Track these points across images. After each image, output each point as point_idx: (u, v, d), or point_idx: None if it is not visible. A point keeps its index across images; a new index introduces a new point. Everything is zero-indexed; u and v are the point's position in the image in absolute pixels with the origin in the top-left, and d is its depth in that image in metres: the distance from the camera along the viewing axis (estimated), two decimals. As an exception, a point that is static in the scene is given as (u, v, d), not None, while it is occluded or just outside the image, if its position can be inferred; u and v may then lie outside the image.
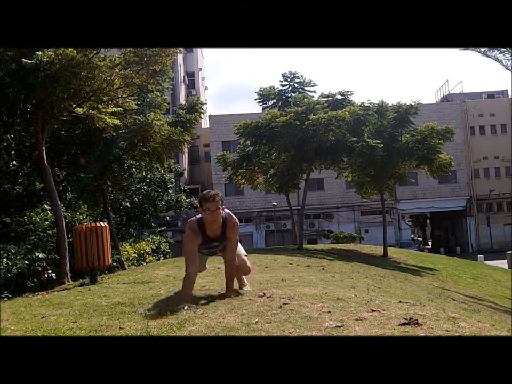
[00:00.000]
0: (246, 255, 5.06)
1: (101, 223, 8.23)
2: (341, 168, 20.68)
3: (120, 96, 9.44)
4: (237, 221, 4.64)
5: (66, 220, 9.80)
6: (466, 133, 43.99)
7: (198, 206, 4.41)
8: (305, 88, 20.46)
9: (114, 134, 11.15)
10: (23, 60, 7.76)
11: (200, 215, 4.52)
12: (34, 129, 9.30)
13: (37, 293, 7.08)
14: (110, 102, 9.42)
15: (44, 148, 9.03)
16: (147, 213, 18.69)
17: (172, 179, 20.77)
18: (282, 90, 20.37)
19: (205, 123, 43.89)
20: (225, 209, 4.59)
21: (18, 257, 7.80)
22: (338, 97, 19.83)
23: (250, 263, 5.12)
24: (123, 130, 11.38)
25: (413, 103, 19.61)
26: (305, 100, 18.94)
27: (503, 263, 25.67)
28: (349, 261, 14.02)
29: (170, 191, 20.09)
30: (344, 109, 18.09)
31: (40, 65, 7.81)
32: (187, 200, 21.31)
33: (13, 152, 12.46)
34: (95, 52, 8.34)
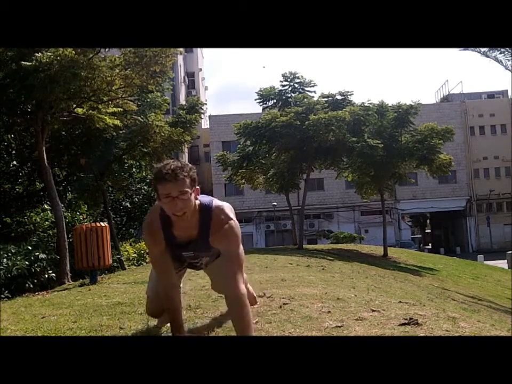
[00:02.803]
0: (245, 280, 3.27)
1: (101, 223, 8.23)
2: (341, 168, 20.70)
3: (120, 96, 9.45)
4: (232, 220, 2.72)
5: (67, 220, 9.80)
6: (466, 133, 44.00)
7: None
8: (305, 88, 20.49)
9: (114, 134, 11.15)
10: (22, 62, 7.76)
11: None
12: (34, 130, 9.30)
13: (37, 293, 7.08)
14: (110, 102, 9.42)
15: (44, 148, 9.03)
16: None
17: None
18: (282, 90, 20.39)
19: (205, 123, 43.90)
20: (215, 200, 2.77)
21: (18, 257, 7.79)
22: (338, 97, 19.86)
23: (254, 288, 3.53)
24: (123, 131, 11.39)
25: (413, 103, 19.63)
26: (305, 100, 18.96)
27: (503, 263, 25.66)
28: (349, 261, 14.03)
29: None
30: (344, 109, 18.11)
31: (40, 66, 7.81)
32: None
33: (13, 152, 12.46)
34: (95, 52, 8.35)
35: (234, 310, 2.64)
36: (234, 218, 2.74)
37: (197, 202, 2.65)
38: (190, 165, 2.57)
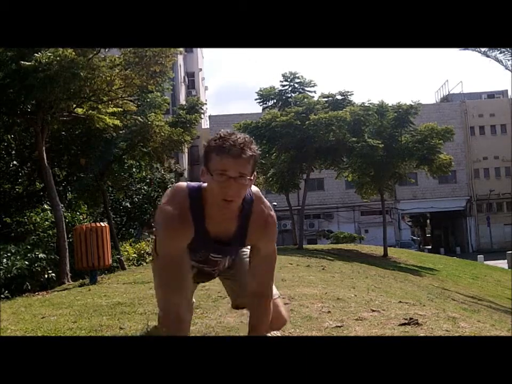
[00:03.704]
0: (279, 295, 2.53)
1: (101, 223, 8.24)
2: (341, 168, 20.71)
3: (120, 96, 9.45)
4: (273, 211, 2.23)
5: (67, 220, 9.81)
6: (466, 133, 43.98)
7: (203, 165, 2.03)
8: (305, 88, 20.51)
9: (114, 134, 11.15)
10: (22, 62, 7.77)
11: (197, 183, 2.15)
12: (34, 130, 9.31)
13: (37, 293, 7.08)
14: (110, 102, 9.43)
15: (44, 148, 9.03)
16: (147, 213, 18.67)
17: (172, 179, 20.77)
18: (282, 90, 20.42)
19: (205, 123, 43.88)
20: (253, 187, 2.17)
21: (18, 257, 7.80)
22: (338, 97, 19.89)
23: (285, 306, 2.61)
24: (123, 131, 11.39)
25: (413, 103, 19.65)
26: (305, 100, 18.98)
27: (503, 263, 25.66)
28: (349, 261, 14.03)
29: (170, 191, 20.07)
30: (344, 109, 18.12)
31: (39, 66, 7.82)
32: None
33: (13, 152, 12.46)
34: (95, 52, 8.36)
35: (259, 310, 2.22)
36: (272, 211, 2.23)
37: None
38: (255, 144, 2.01)
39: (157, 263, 2.25)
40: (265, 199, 2.22)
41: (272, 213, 2.20)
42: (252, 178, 2.00)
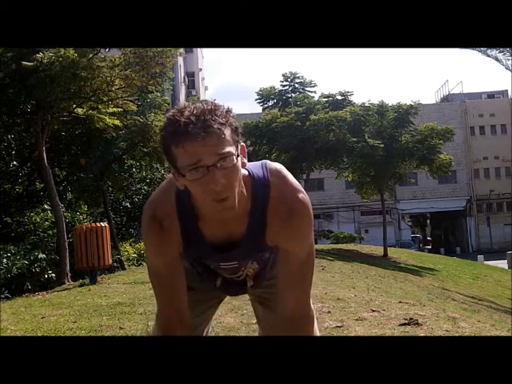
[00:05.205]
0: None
1: (101, 223, 8.24)
2: (341, 168, 20.73)
3: (120, 96, 9.46)
4: (302, 193, 1.54)
5: (67, 220, 9.81)
6: (466, 133, 43.99)
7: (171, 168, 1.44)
8: (306, 89, 20.55)
9: (114, 134, 11.16)
10: (23, 62, 7.78)
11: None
12: (34, 130, 9.32)
13: (37, 293, 7.09)
14: (110, 102, 9.43)
15: (44, 148, 9.04)
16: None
17: (172, 179, 20.76)
18: (283, 90, 20.45)
19: (205, 123, 43.82)
20: (267, 163, 1.58)
21: (18, 257, 7.80)
22: (339, 97, 19.91)
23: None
24: (123, 131, 11.40)
25: (413, 103, 19.66)
26: (305, 100, 19.01)
27: (503, 263, 25.65)
28: (349, 261, 14.03)
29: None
30: (344, 109, 18.15)
31: (40, 66, 7.82)
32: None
33: (13, 152, 12.47)
34: (95, 52, 8.36)
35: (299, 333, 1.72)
36: (304, 190, 1.57)
37: (244, 172, 1.47)
38: (223, 106, 1.43)
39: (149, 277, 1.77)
40: (291, 177, 1.56)
41: (302, 196, 1.53)
42: (239, 153, 1.38)
